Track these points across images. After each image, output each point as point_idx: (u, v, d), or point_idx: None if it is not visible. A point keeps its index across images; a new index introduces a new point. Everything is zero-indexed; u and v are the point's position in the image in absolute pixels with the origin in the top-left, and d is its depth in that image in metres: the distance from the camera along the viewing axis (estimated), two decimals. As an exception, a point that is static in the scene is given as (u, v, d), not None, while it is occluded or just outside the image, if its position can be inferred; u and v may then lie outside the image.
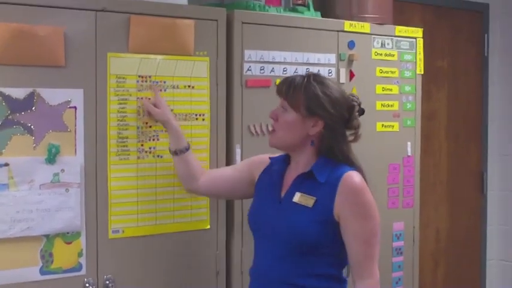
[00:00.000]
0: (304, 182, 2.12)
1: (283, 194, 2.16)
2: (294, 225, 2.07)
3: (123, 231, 2.36)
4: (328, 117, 2.09)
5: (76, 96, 2.25)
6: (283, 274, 2.09)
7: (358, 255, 2.06)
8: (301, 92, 2.09)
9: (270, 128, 2.21)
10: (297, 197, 2.11)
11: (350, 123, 2.16)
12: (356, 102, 2.17)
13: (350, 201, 2.05)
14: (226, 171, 2.45)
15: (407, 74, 3.09)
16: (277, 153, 2.31)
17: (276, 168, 2.23)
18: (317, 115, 2.09)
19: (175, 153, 2.37)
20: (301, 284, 2.07)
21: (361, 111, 2.20)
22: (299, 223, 2.06)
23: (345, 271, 2.19)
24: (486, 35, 4.46)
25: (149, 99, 2.39)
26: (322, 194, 2.08)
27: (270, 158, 2.31)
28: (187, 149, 2.37)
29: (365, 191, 2.08)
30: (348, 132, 2.17)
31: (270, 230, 2.13)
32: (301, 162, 2.16)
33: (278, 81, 2.64)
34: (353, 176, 2.08)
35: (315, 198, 2.08)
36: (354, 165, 2.14)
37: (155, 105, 2.37)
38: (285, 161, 2.24)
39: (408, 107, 3.09)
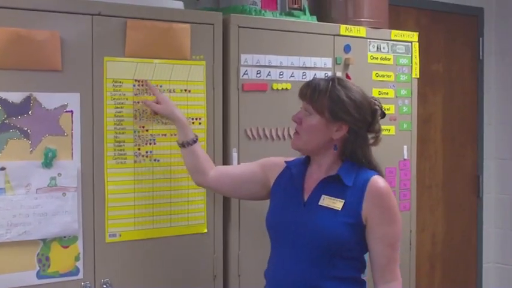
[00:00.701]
0: (329, 185, 2.12)
1: (306, 197, 2.15)
2: (323, 228, 2.06)
3: (120, 235, 2.36)
4: (352, 121, 2.10)
5: (72, 100, 2.26)
6: (307, 277, 2.07)
7: (383, 259, 2.08)
8: (326, 97, 2.09)
9: (293, 131, 2.20)
10: (324, 200, 2.11)
11: (372, 126, 2.17)
12: (378, 106, 2.18)
13: (377, 205, 2.07)
14: (237, 169, 2.46)
15: (403, 77, 3.10)
16: (292, 157, 2.31)
17: (295, 171, 2.22)
18: (342, 120, 2.09)
19: (182, 145, 2.37)
20: (325, 287, 2.07)
21: (383, 115, 2.21)
22: (328, 225, 2.06)
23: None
24: (481, 39, 4.47)
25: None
26: (350, 197, 2.08)
27: (285, 161, 2.30)
28: (194, 140, 2.37)
29: (391, 196, 2.11)
30: (368, 136, 2.18)
31: (293, 233, 2.12)
32: (324, 166, 2.16)
33: (275, 85, 2.67)
34: (379, 180, 2.11)
35: (343, 200, 2.08)
36: (375, 169, 2.16)
37: (157, 103, 2.38)
38: (304, 164, 2.23)
39: (404, 111, 3.10)
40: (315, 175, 2.18)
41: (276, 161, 2.35)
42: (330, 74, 2.81)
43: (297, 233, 2.11)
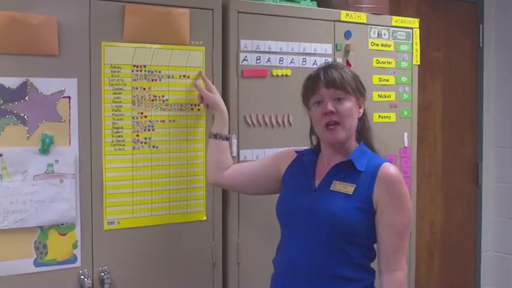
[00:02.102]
0: (342, 171, 2.11)
1: (317, 183, 2.14)
2: (334, 212, 2.04)
3: (118, 223, 2.34)
4: (365, 95, 2.19)
5: (70, 85, 2.22)
6: (320, 263, 2.05)
7: (389, 247, 2.05)
8: (351, 77, 2.13)
9: (326, 126, 2.09)
10: (336, 185, 2.09)
11: None
12: None
13: (388, 192, 2.05)
14: (250, 164, 2.45)
15: (404, 64, 3.07)
16: (295, 145, 2.33)
17: (307, 159, 2.22)
18: (363, 95, 2.17)
19: (215, 136, 2.41)
20: (337, 273, 2.04)
21: None
22: (340, 210, 2.04)
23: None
24: (481, 26, 4.44)
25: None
26: (362, 182, 2.07)
27: (296, 151, 2.29)
28: (227, 138, 2.42)
29: (402, 183, 2.09)
30: None
31: (304, 219, 2.10)
32: (340, 151, 2.15)
33: (275, 71, 2.64)
34: (391, 167, 2.10)
35: (355, 185, 2.07)
36: (374, 148, 2.20)
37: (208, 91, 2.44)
38: (314, 153, 2.23)
39: (405, 98, 3.07)
40: (326, 162, 2.17)
41: (286, 151, 2.35)
42: (330, 60, 2.78)
43: (308, 219, 2.09)
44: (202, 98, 2.45)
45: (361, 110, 2.17)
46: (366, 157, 2.11)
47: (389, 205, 2.04)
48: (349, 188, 2.06)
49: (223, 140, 2.40)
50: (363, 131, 2.19)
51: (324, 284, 2.05)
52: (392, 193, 2.05)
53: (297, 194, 2.16)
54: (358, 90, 2.14)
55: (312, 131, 2.24)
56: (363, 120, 2.19)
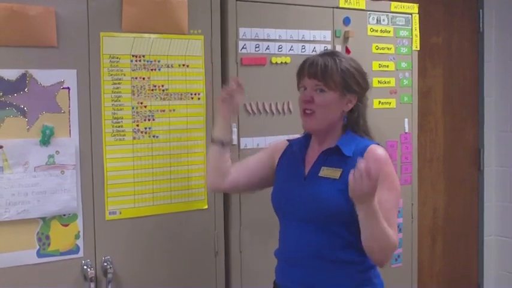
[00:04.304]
0: (330, 157, 2.11)
1: (307, 171, 2.15)
2: (321, 198, 2.05)
3: (120, 213, 2.35)
4: (360, 91, 2.13)
5: (69, 76, 2.23)
6: (317, 249, 2.05)
7: None
8: (338, 72, 2.08)
9: (303, 112, 2.12)
10: (324, 171, 2.10)
11: (366, 93, 2.19)
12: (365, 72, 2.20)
13: None
14: (247, 165, 2.37)
15: (404, 50, 3.06)
16: (293, 133, 2.32)
17: (297, 148, 2.21)
18: (353, 91, 2.11)
19: (222, 143, 2.28)
20: (335, 257, 2.05)
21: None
22: (327, 194, 2.04)
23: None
24: (481, 11, 4.42)
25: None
26: (349, 166, 2.04)
27: (288, 140, 2.29)
28: (228, 143, 2.30)
29: (389, 163, 2.08)
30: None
31: (297, 207, 2.10)
32: (328, 139, 2.14)
33: (274, 58, 2.64)
34: (378, 148, 2.10)
35: (341, 170, 2.06)
36: (372, 137, 2.17)
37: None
38: (305, 140, 2.22)
39: (405, 84, 3.07)
40: (316, 149, 2.17)
41: (279, 142, 2.34)
42: (329, 47, 2.78)
43: (298, 207, 2.09)
44: (230, 99, 2.30)
45: (350, 105, 2.12)
46: (354, 143, 2.11)
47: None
48: (336, 173, 2.06)
49: (224, 145, 2.29)
50: (350, 123, 2.15)
51: (324, 268, 2.06)
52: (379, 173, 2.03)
53: (289, 183, 2.17)
54: (346, 86, 2.08)
55: None
56: (352, 113, 2.14)
